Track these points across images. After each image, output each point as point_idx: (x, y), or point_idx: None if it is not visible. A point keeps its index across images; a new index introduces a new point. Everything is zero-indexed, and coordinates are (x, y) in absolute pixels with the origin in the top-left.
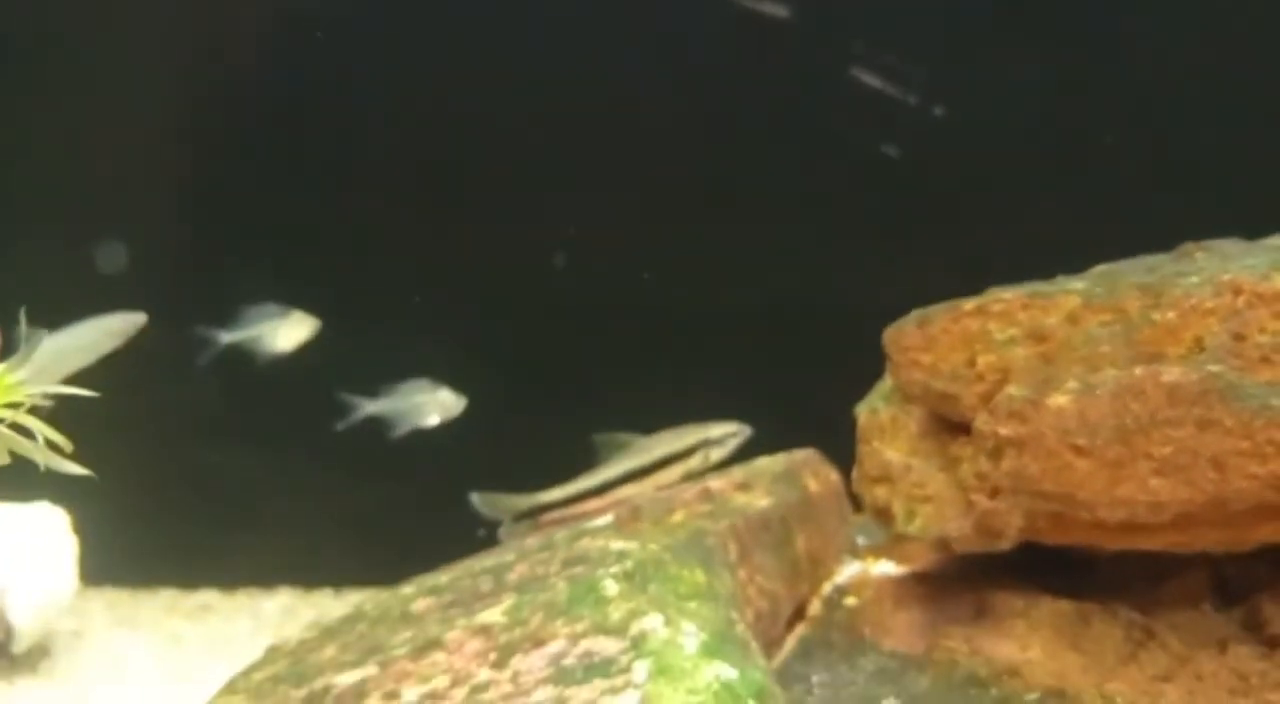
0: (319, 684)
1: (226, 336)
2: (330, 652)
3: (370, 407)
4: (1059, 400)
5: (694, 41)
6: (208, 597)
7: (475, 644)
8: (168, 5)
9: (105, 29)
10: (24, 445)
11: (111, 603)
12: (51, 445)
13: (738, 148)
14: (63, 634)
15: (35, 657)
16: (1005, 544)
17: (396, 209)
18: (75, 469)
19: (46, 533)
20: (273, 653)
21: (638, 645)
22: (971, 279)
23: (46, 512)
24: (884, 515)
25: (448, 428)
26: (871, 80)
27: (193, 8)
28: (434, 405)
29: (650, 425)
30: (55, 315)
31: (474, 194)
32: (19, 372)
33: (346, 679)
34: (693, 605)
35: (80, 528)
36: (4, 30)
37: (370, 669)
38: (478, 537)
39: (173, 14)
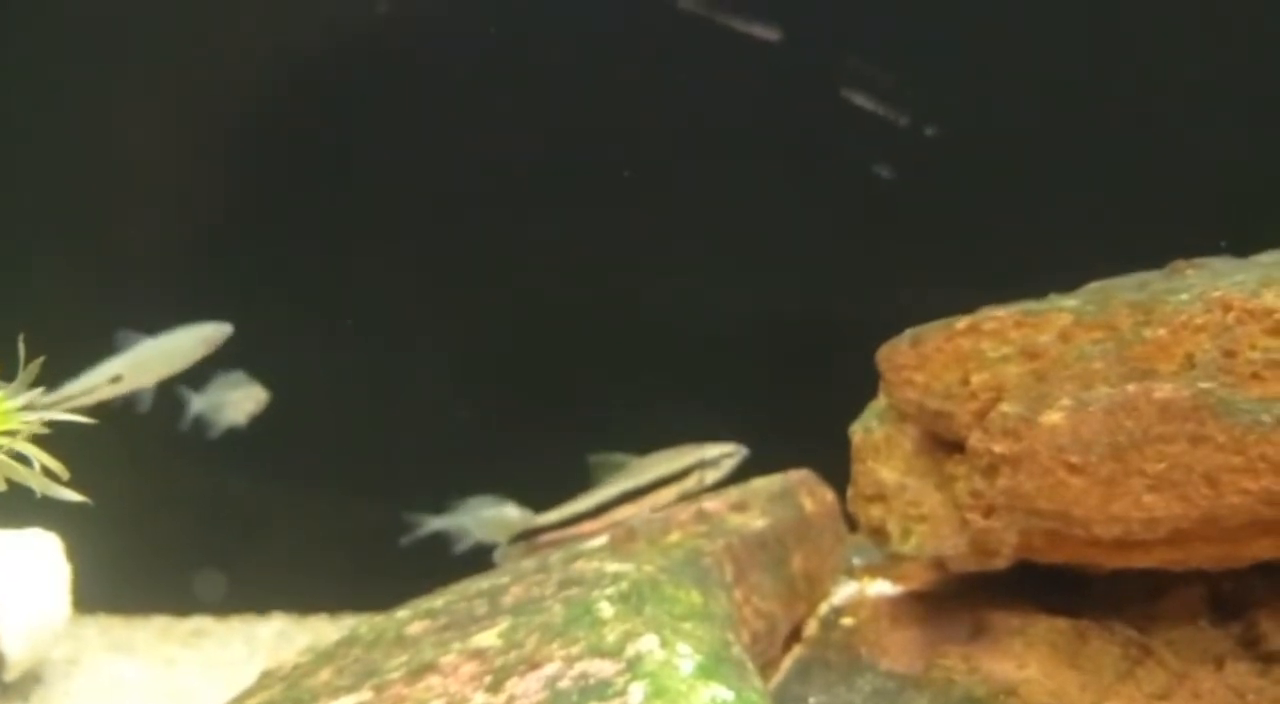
0: None
1: (197, 402)
2: (325, 676)
3: (435, 523)
4: (1052, 417)
5: (690, 60)
6: (202, 622)
7: (470, 667)
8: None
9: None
10: (20, 472)
11: (105, 629)
12: (47, 472)
13: (732, 167)
14: (56, 661)
15: (28, 684)
16: (1001, 562)
17: (390, 222)
18: (71, 495)
19: (40, 559)
20: (267, 678)
21: (634, 667)
22: (964, 297)
23: (40, 538)
24: (879, 534)
25: (442, 450)
26: (863, 101)
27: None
28: (500, 523)
29: (645, 446)
30: (48, 341)
31: (471, 212)
32: (17, 397)
33: None
34: (688, 626)
35: (74, 554)
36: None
37: (365, 694)
38: (473, 560)
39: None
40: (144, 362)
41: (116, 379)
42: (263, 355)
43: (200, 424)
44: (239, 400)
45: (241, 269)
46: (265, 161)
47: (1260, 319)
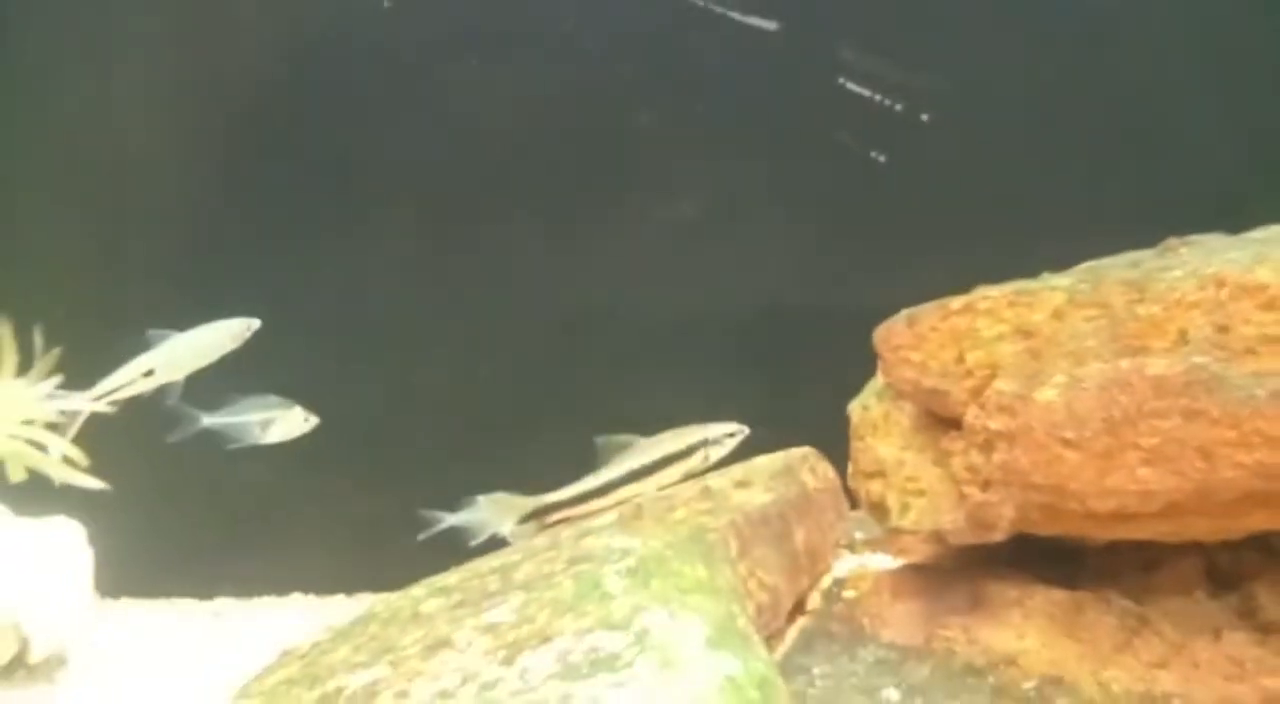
0: (331, 686)
1: (208, 420)
2: (342, 653)
3: (451, 519)
4: (1047, 394)
5: (689, 49)
6: (223, 604)
7: (484, 642)
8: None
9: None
10: (40, 460)
11: (129, 612)
12: (67, 460)
13: (729, 154)
14: (79, 644)
15: (52, 667)
16: (998, 535)
17: (395, 215)
18: (90, 482)
19: (63, 545)
20: (286, 657)
21: (641, 640)
22: (959, 278)
23: (63, 525)
24: (879, 509)
25: (453, 433)
26: (860, 87)
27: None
28: (511, 504)
29: (651, 427)
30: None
31: (472, 199)
32: (35, 386)
33: (358, 680)
34: (695, 600)
35: (99, 540)
36: None
37: (382, 669)
38: (486, 544)
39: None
40: (175, 356)
41: (149, 373)
42: (279, 349)
43: (225, 438)
44: (274, 422)
45: (257, 268)
46: (277, 163)
47: (1254, 294)
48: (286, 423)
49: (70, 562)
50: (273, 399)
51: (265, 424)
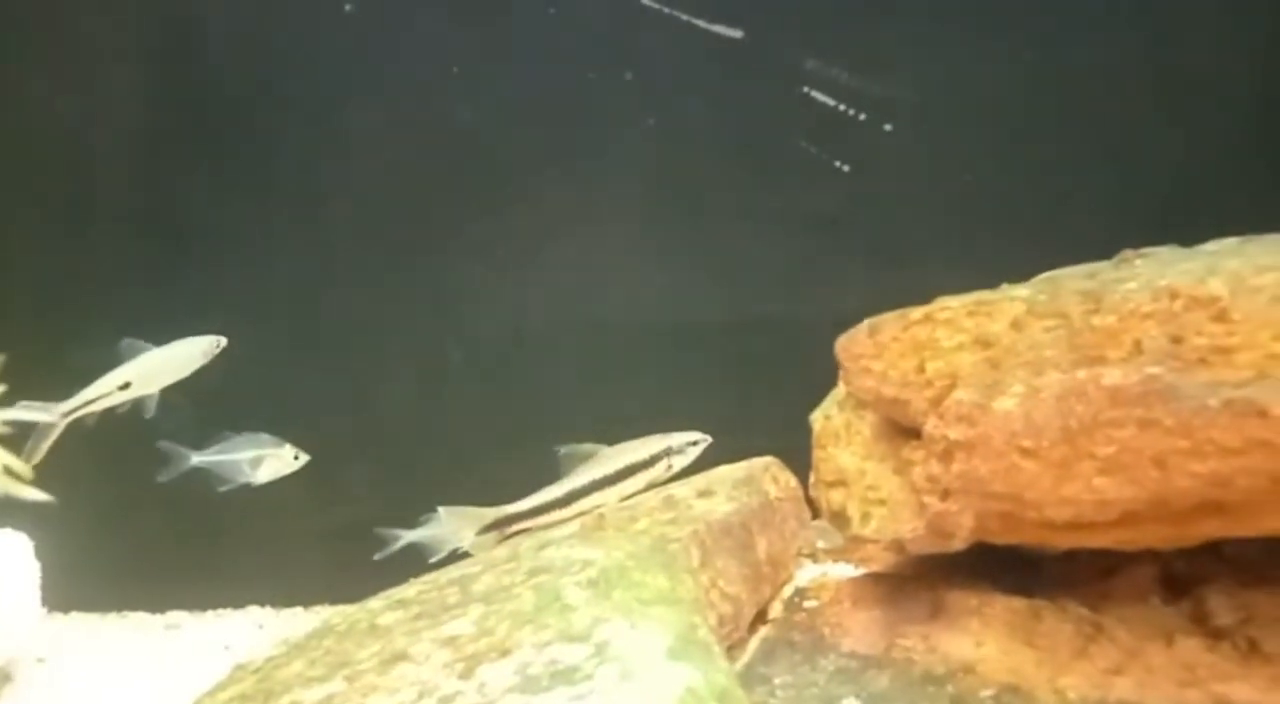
0: (285, 701)
1: (197, 458)
2: (297, 668)
3: (410, 536)
4: (1005, 404)
5: (654, 56)
6: (177, 617)
7: (442, 655)
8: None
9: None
10: None
11: (78, 627)
12: (9, 472)
13: (693, 164)
14: (27, 660)
15: None
16: (958, 544)
17: (352, 229)
18: (34, 494)
19: (8, 559)
20: (239, 671)
21: (601, 651)
22: (920, 288)
23: (9, 537)
24: (840, 518)
25: (413, 444)
26: (823, 98)
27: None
28: (470, 516)
29: (613, 436)
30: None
31: (432, 210)
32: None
33: (313, 695)
34: (656, 611)
35: (46, 553)
36: None
37: (337, 684)
38: (447, 557)
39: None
40: (150, 370)
41: (125, 386)
42: (238, 364)
43: (216, 477)
44: (264, 461)
45: (216, 283)
46: (246, 178)
47: (1206, 306)
48: (277, 461)
49: (16, 575)
50: (264, 437)
51: (255, 462)
